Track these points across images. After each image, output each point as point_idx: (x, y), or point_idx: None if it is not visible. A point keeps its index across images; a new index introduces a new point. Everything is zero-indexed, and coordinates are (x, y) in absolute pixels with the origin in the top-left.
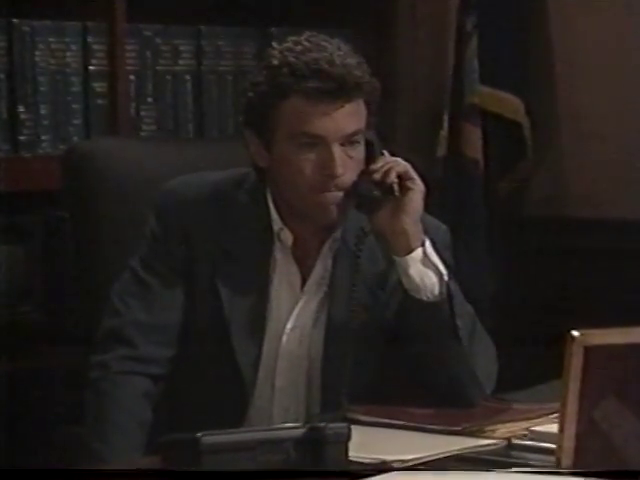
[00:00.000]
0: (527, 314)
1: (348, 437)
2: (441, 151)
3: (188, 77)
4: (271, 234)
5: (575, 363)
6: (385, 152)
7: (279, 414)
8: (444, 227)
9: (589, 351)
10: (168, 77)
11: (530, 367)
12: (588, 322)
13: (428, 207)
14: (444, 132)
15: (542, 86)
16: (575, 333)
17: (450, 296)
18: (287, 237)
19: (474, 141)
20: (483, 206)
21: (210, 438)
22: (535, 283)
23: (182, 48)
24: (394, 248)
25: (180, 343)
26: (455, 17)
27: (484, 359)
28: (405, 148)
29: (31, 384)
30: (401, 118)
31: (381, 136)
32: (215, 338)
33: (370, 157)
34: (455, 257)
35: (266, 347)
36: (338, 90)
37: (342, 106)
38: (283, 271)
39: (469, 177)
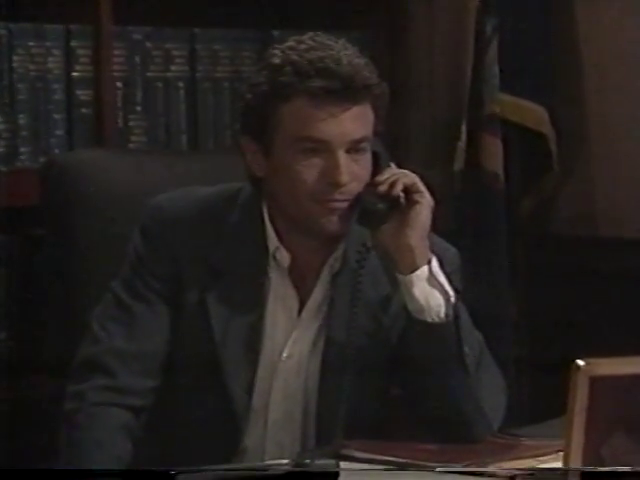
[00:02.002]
0: (550, 341)
1: (336, 475)
2: (459, 164)
3: (181, 84)
4: (266, 254)
5: (580, 395)
6: (392, 164)
7: (273, 450)
8: (453, 250)
9: (595, 382)
10: (159, 84)
11: (548, 398)
12: (616, 350)
13: (444, 225)
14: (462, 144)
15: (568, 94)
16: (580, 362)
17: (457, 319)
18: (284, 257)
19: (494, 153)
20: (504, 224)
21: (186, 476)
22: (560, 308)
23: (174, 52)
24: (398, 265)
25: (165, 372)
26: (474, 19)
27: (492, 391)
28: (420, 161)
29: (3, 416)
30: (415, 128)
31: (388, 147)
32: (205, 366)
33: (376, 169)
34: (474, 279)
35: (260, 377)
36: (345, 91)
37: (349, 109)
38: (279, 294)
39: (489, 193)
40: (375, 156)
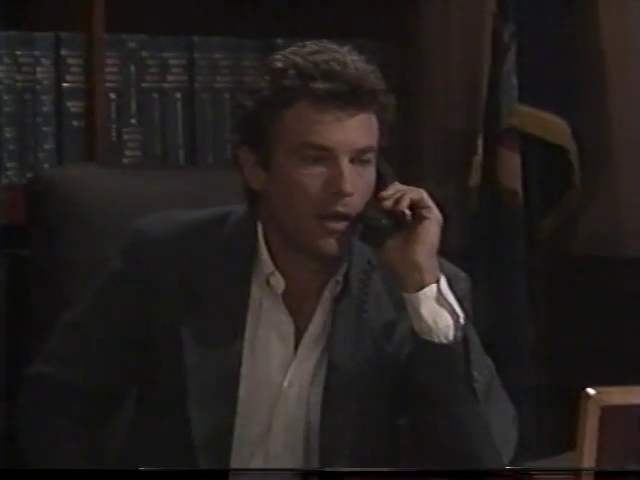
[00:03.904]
0: (570, 367)
1: None
2: (475, 180)
3: (178, 95)
4: (259, 279)
5: (590, 426)
6: (397, 183)
7: None
8: (463, 274)
9: (607, 412)
10: (155, 95)
11: (567, 429)
12: None
13: (459, 244)
14: (478, 158)
15: (591, 105)
16: (590, 391)
17: (466, 341)
18: (278, 282)
19: (512, 169)
20: (523, 244)
21: None
22: (582, 332)
23: (172, 62)
24: (404, 283)
25: (127, 400)
26: (491, 26)
27: (502, 422)
28: (433, 176)
29: None
30: (429, 141)
31: (399, 162)
32: (172, 400)
33: (380, 188)
34: (489, 302)
35: (259, 408)
36: (350, 95)
37: (353, 115)
38: (272, 322)
39: (507, 210)
40: (379, 175)
